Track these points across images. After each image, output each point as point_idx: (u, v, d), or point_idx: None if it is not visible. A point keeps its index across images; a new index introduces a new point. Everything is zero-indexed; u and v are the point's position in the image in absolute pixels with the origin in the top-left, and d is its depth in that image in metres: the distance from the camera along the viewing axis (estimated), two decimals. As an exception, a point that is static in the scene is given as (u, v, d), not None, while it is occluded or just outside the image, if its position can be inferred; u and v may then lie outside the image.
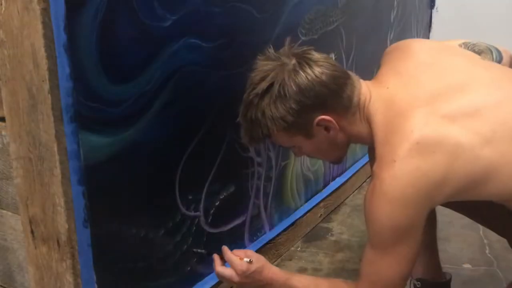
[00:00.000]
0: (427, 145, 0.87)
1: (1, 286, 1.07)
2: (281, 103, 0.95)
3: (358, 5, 1.81)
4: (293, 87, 0.94)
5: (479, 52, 1.04)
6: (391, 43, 2.14)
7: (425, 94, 0.93)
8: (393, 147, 0.89)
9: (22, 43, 0.81)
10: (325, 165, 1.78)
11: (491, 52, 1.06)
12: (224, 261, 1.11)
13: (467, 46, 1.06)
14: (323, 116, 0.96)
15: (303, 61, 0.96)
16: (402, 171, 0.87)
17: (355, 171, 1.99)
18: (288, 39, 1.01)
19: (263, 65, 0.98)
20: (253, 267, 1.07)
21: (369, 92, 0.98)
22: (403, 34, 2.28)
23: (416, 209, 0.89)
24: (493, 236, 1.58)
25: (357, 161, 2.05)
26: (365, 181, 2.09)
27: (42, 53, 0.79)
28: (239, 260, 1.08)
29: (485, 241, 1.61)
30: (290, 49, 0.99)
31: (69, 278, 0.92)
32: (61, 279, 0.93)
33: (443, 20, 2.73)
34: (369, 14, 1.91)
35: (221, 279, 1.13)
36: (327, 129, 0.98)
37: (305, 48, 1.00)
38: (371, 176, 0.93)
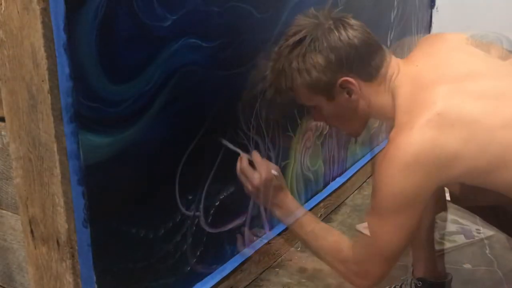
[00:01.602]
0: (447, 117, 0.87)
1: (1, 286, 1.07)
2: (310, 57, 0.96)
3: (358, 5, 1.81)
4: (324, 43, 0.95)
5: (487, 45, 1.04)
6: (391, 43, 2.15)
7: (453, 74, 0.94)
8: (413, 116, 0.89)
9: (22, 43, 0.81)
10: (325, 165, 1.78)
11: (502, 42, 1.06)
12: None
13: (475, 38, 1.06)
14: (347, 78, 0.96)
15: (340, 23, 0.97)
16: (418, 138, 0.87)
17: (355, 171, 1.99)
18: (329, 2, 1.02)
19: (301, 21, 1.00)
20: (276, 181, 1.09)
21: (398, 67, 0.99)
22: (403, 34, 2.28)
23: (424, 179, 0.88)
24: (493, 236, 1.59)
25: (357, 161, 2.05)
26: (365, 181, 2.09)
27: (42, 53, 0.79)
28: (268, 167, 1.09)
29: (485, 241, 1.61)
30: (329, 12, 1.01)
31: (69, 278, 0.92)
32: (61, 279, 0.93)
33: (443, 20, 2.72)
34: (369, 14, 1.91)
35: (241, 176, 1.12)
36: (349, 93, 0.98)
37: (344, 14, 1.02)
38: (388, 140, 0.93)
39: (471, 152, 0.86)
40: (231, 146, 1.18)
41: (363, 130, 1.11)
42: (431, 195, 0.91)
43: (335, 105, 1.01)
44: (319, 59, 0.95)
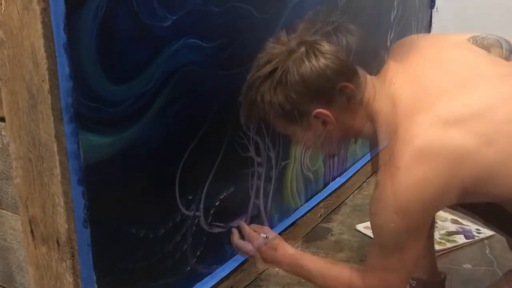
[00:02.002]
0: (431, 151, 0.85)
1: (1, 286, 1.07)
2: (281, 90, 0.94)
3: (358, 5, 1.81)
4: (296, 76, 0.93)
5: (488, 46, 1.03)
6: (391, 43, 2.15)
7: (430, 94, 0.91)
8: (397, 153, 0.88)
9: (22, 43, 0.81)
10: (325, 165, 1.78)
11: (501, 44, 1.05)
12: (242, 235, 1.20)
13: (476, 40, 1.05)
14: (321, 110, 0.95)
15: (311, 51, 0.94)
16: (407, 179, 0.86)
17: (355, 171, 1.99)
18: (302, 24, 0.99)
19: (272, 48, 0.97)
20: (269, 243, 1.13)
21: (374, 89, 0.98)
22: (403, 34, 2.28)
23: (421, 216, 0.89)
24: (493, 236, 1.59)
25: (357, 161, 2.05)
26: (365, 181, 2.09)
27: (42, 53, 0.79)
28: (257, 235, 1.15)
29: (485, 241, 1.61)
30: (301, 36, 0.97)
31: (69, 278, 0.92)
32: (61, 279, 0.93)
33: (443, 20, 2.73)
34: (369, 14, 1.91)
35: (239, 251, 1.21)
36: (324, 123, 0.98)
37: (317, 38, 0.97)
38: (376, 183, 0.93)
39: (462, 178, 0.86)
40: (218, 224, 1.24)
41: (341, 150, 1.12)
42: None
43: (312, 134, 1.01)
44: (291, 93, 0.93)
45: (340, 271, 1.06)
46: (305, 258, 1.10)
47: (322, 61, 0.93)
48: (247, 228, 1.18)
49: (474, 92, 0.91)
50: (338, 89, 0.95)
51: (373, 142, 0.99)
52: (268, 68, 0.95)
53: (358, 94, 0.96)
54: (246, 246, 1.16)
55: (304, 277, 1.12)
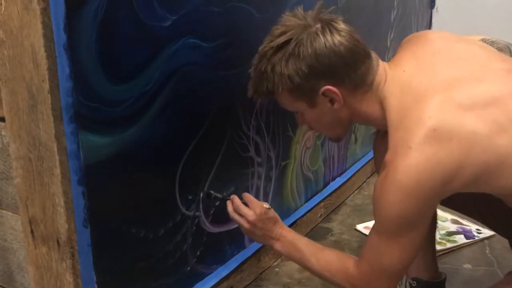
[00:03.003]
0: (444, 132, 0.85)
1: (1, 286, 1.07)
2: (293, 62, 0.93)
3: (358, 5, 1.81)
4: (309, 49, 0.92)
5: (498, 50, 1.03)
6: (391, 43, 2.15)
7: (441, 81, 0.91)
8: (409, 133, 0.87)
9: (22, 43, 0.81)
10: (325, 165, 1.78)
11: (510, 50, 1.05)
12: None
13: (486, 42, 1.05)
14: (330, 87, 0.94)
15: (327, 27, 0.94)
16: (418, 158, 0.85)
17: (355, 171, 1.99)
18: (319, 3, 0.98)
19: (287, 20, 0.97)
20: (270, 214, 1.10)
21: (386, 74, 0.97)
22: (403, 34, 2.28)
23: (428, 198, 0.88)
24: (493, 236, 1.59)
25: (357, 161, 2.05)
26: (365, 181, 2.09)
27: (42, 53, 0.79)
28: (260, 202, 1.10)
29: (485, 241, 1.61)
30: (318, 13, 0.97)
31: (69, 278, 0.92)
32: (61, 279, 0.93)
33: (443, 20, 2.72)
34: (369, 14, 1.91)
35: (235, 216, 1.12)
36: (331, 101, 0.97)
37: (333, 16, 0.97)
38: (383, 164, 0.91)
39: (472, 162, 0.85)
40: (219, 195, 1.20)
41: (345, 135, 1.10)
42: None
43: (317, 112, 0.99)
44: (303, 66, 0.92)
45: (335, 255, 1.06)
46: (302, 241, 1.09)
47: (337, 38, 0.93)
48: (250, 196, 1.12)
49: (485, 83, 0.91)
50: (350, 68, 0.94)
51: (379, 129, 0.97)
52: (282, 39, 0.94)
53: (370, 76, 0.95)
54: (246, 210, 1.10)
55: (296, 258, 1.09)
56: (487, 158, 0.85)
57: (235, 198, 1.12)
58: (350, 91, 0.96)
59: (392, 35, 2.16)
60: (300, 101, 0.98)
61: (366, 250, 0.98)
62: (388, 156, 0.90)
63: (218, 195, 1.20)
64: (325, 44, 0.92)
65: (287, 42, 0.94)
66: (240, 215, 1.11)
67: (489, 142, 0.85)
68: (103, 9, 0.85)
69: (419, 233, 0.92)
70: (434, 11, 2.77)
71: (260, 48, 0.98)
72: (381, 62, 0.99)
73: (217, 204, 1.21)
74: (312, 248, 1.07)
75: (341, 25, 0.95)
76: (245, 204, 1.11)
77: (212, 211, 1.23)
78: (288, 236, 1.10)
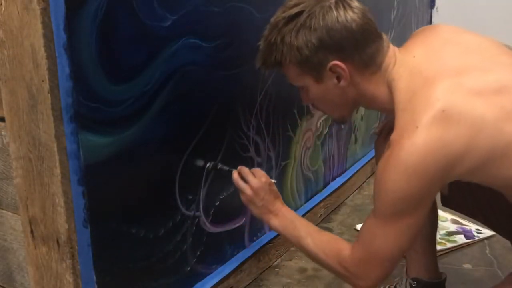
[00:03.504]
0: (452, 114, 0.84)
1: (1, 286, 1.07)
2: (303, 34, 0.93)
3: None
4: (321, 22, 0.92)
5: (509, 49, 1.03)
6: (391, 43, 2.15)
7: (451, 67, 0.91)
8: (416, 114, 0.86)
9: (22, 43, 0.81)
10: (325, 165, 1.78)
11: None
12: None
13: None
14: (338, 62, 0.94)
15: (341, 3, 0.94)
16: (425, 139, 0.84)
17: (355, 171, 1.99)
18: None
19: None
20: (274, 188, 1.12)
21: (395, 57, 0.96)
22: (403, 34, 2.28)
23: (431, 181, 0.86)
24: (493, 236, 1.59)
25: (357, 161, 2.05)
26: (365, 181, 2.09)
27: (42, 53, 0.79)
28: (266, 175, 1.12)
29: (485, 241, 1.61)
30: None
31: (69, 278, 0.92)
32: (61, 279, 0.93)
33: (443, 20, 2.72)
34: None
35: (239, 182, 1.14)
36: (338, 78, 0.96)
37: None
38: (388, 144, 0.90)
39: (478, 147, 0.84)
40: (226, 168, 1.20)
41: (350, 117, 1.08)
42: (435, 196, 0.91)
43: (323, 88, 0.98)
44: (313, 38, 0.92)
45: (332, 237, 1.06)
46: (301, 220, 1.10)
47: (350, 14, 0.93)
48: (258, 169, 1.15)
49: (493, 73, 0.91)
50: (360, 45, 0.93)
51: (384, 113, 0.96)
52: (294, 10, 0.94)
53: (379, 57, 0.95)
54: (252, 177, 1.11)
55: (292, 235, 1.09)
56: (494, 144, 0.85)
57: (243, 167, 1.14)
58: (358, 69, 0.95)
59: (392, 35, 2.16)
60: (306, 75, 0.98)
61: (362, 233, 0.97)
62: (393, 136, 0.88)
63: (225, 167, 1.20)
64: (337, 19, 0.92)
65: (300, 13, 0.93)
66: (245, 181, 1.12)
67: (496, 128, 0.84)
68: (103, 9, 0.85)
69: (417, 219, 0.90)
70: (434, 11, 2.78)
71: (272, 19, 0.98)
72: (391, 46, 0.98)
73: (223, 173, 1.21)
74: (309, 228, 1.07)
75: (355, 3, 0.95)
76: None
77: (212, 211, 1.23)
78: (287, 213, 1.10)
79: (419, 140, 0.84)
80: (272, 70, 1.05)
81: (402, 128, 0.87)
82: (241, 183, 1.13)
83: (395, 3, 2.16)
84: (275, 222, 1.11)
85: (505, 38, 1.13)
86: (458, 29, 1.03)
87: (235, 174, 1.14)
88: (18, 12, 0.79)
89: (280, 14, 0.96)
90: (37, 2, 0.77)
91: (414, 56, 0.95)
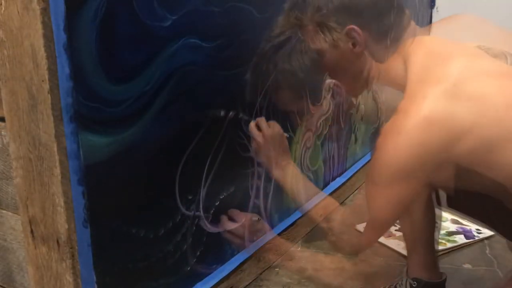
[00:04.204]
0: (434, 121, 0.84)
1: (1, 286, 1.07)
2: (295, 58, 0.98)
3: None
4: (310, 44, 0.95)
5: (493, 56, 1.03)
6: (391, 43, 2.15)
7: (468, 51, 0.92)
8: (427, 86, 0.86)
9: (22, 43, 0.81)
10: (325, 165, 1.78)
11: (506, 57, 1.05)
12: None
13: (481, 49, 1.05)
14: (355, 27, 0.94)
15: (323, 26, 0.96)
16: (406, 143, 0.84)
17: (355, 171, 1.99)
18: (311, 7, 0.99)
19: (283, 22, 1.01)
20: (259, 225, 1.17)
21: (378, 71, 0.97)
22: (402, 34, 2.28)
23: (417, 185, 0.87)
24: (493, 236, 1.59)
25: (357, 161, 2.05)
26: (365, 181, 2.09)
27: (42, 53, 0.79)
28: (246, 216, 1.17)
29: (485, 241, 1.61)
30: (312, 16, 0.98)
31: (68, 278, 0.92)
32: (60, 279, 0.93)
33: (443, 20, 2.72)
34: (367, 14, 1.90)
35: (254, 129, 1.22)
36: (353, 44, 0.96)
37: (326, 18, 0.98)
38: (394, 112, 0.90)
39: (483, 128, 0.84)
40: (246, 117, 1.22)
41: (362, 92, 1.08)
42: (427, 197, 0.90)
43: (337, 54, 0.98)
44: (305, 60, 0.97)
45: (329, 199, 1.11)
46: (302, 178, 1.14)
47: (335, 34, 0.95)
48: (236, 212, 1.19)
49: (476, 81, 0.90)
50: (380, 14, 0.94)
51: (398, 89, 0.96)
52: (282, 38, 1.00)
53: (398, 31, 0.95)
54: (265, 126, 1.15)
55: (291, 193, 1.13)
56: (501, 128, 0.84)
57: (262, 118, 1.19)
58: (374, 38, 0.95)
59: (391, 35, 2.16)
60: (322, 38, 0.97)
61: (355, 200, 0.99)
62: (401, 104, 0.88)
63: (246, 117, 1.23)
64: (325, 40, 0.94)
65: (288, 39, 0.98)
66: (232, 234, 1.17)
67: (505, 113, 0.84)
68: (103, 9, 0.85)
69: (412, 221, 0.91)
70: (434, 11, 2.77)
71: (259, 50, 1.02)
72: (413, 23, 0.98)
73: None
74: (305, 253, 1.09)
75: (334, 25, 0.96)
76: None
77: (212, 211, 1.23)
78: (291, 170, 1.13)
79: (426, 110, 0.84)
80: (290, 30, 1.05)
81: (411, 97, 0.87)
82: (254, 130, 1.18)
83: (395, 3, 2.15)
84: (278, 174, 1.14)
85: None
86: (442, 40, 1.03)
87: (252, 123, 1.19)
88: (18, 12, 0.79)
89: (266, 44, 1.04)
90: (37, 2, 0.77)
91: (396, 70, 0.96)
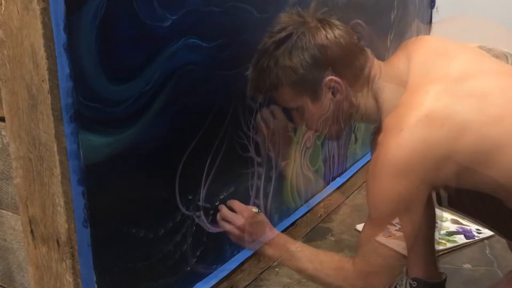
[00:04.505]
0: (436, 118, 0.86)
1: (1, 286, 1.07)
2: (296, 54, 0.96)
3: (358, 5, 1.81)
4: (311, 41, 0.96)
5: (494, 57, 1.04)
6: (391, 43, 2.15)
7: (435, 74, 0.93)
8: (401, 117, 0.88)
9: (22, 43, 0.81)
10: (325, 165, 1.78)
11: (507, 58, 1.06)
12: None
13: (483, 49, 1.06)
14: (333, 77, 0.97)
15: (325, 22, 0.98)
16: (408, 140, 0.86)
17: (355, 171, 1.99)
18: (314, 4, 1.03)
19: (285, 18, 1.00)
20: (259, 217, 1.11)
21: (380, 69, 1.00)
22: (403, 34, 2.28)
23: (418, 182, 0.88)
24: (493, 236, 1.59)
25: (357, 161, 2.05)
26: (365, 181, 2.09)
27: (42, 53, 0.79)
28: (247, 207, 1.12)
29: (485, 241, 1.61)
30: (314, 13, 1.01)
31: (68, 278, 0.92)
32: (60, 279, 0.93)
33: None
34: (369, 14, 1.91)
35: (224, 223, 1.14)
36: (334, 93, 0.99)
37: (327, 15, 1.02)
38: (375, 147, 0.92)
39: (463, 150, 0.86)
40: (208, 205, 1.20)
41: (344, 132, 1.11)
42: (428, 197, 0.91)
43: (319, 107, 1.01)
44: (306, 57, 0.95)
45: (329, 256, 1.07)
46: (293, 242, 1.10)
47: (337, 31, 0.97)
48: (237, 202, 1.14)
49: (478, 79, 0.92)
50: (350, 59, 0.97)
51: (375, 124, 0.99)
52: (283, 34, 0.97)
53: (366, 69, 0.99)
54: (233, 215, 1.11)
55: (289, 262, 1.09)
56: (479, 147, 0.86)
57: (222, 207, 1.15)
58: (349, 83, 0.98)
59: (392, 35, 2.16)
60: (302, 95, 1.00)
61: (360, 244, 0.98)
62: (380, 137, 0.91)
63: (207, 205, 1.19)
64: (327, 36, 0.96)
65: (289, 36, 0.97)
66: (229, 222, 1.12)
67: (480, 133, 0.86)
68: (103, 9, 0.85)
69: (412, 220, 0.91)
70: (434, 11, 2.77)
71: (260, 46, 1.00)
72: (375, 59, 1.02)
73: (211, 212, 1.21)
74: (305, 252, 1.08)
75: (337, 22, 1.00)
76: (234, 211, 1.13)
77: (212, 211, 1.23)
78: (279, 240, 1.10)
79: (403, 142, 0.86)
80: (265, 96, 1.06)
81: (387, 131, 0.90)
82: (226, 225, 1.13)
83: (395, 3, 2.16)
84: (269, 252, 1.11)
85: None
86: (443, 40, 1.04)
87: (218, 216, 1.15)
88: (18, 12, 0.79)
89: (268, 40, 0.99)
90: (37, 2, 0.77)
91: (398, 68, 0.98)
